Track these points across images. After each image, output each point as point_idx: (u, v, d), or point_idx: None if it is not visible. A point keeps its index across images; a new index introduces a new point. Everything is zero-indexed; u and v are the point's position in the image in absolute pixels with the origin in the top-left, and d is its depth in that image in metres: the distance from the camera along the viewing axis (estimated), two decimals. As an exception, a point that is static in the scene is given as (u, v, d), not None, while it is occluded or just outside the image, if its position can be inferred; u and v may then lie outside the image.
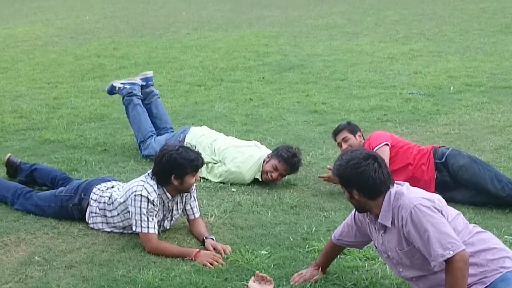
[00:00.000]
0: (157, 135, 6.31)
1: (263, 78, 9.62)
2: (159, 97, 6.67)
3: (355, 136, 5.54)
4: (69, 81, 9.74)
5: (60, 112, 7.96)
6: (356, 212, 3.74)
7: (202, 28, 14.74)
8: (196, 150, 4.54)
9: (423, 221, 3.28)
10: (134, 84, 6.56)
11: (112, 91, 6.65)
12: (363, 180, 3.40)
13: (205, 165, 5.48)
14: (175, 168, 4.35)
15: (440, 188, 5.06)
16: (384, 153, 5.20)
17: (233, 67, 10.41)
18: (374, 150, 5.15)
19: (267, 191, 5.40)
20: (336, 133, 5.63)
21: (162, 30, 14.68)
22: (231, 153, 5.64)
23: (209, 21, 15.85)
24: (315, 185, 5.53)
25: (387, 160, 5.13)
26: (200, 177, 5.26)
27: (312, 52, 11.50)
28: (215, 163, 5.67)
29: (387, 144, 5.29)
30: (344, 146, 5.51)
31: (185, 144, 5.61)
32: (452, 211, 3.45)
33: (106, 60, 11.27)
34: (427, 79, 9.18)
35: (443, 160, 5.22)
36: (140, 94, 6.53)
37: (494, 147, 6.31)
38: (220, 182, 5.56)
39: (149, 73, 6.73)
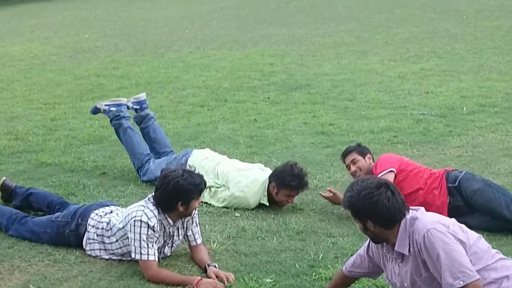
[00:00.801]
0: (156, 158, 6.30)
1: (268, 98, 9.65)
2: (155, 120, 6.62)
3: (364, 158, 5.54)
4: (67, 101, 9.78)
5: (58, 134, 7.98)
6: (370, 244, 3.73)
7: (206, 47, 14.82)
8: (198, 172, 4.56)
9: (436, 246, 3.27)
10: (119, 105, 6.50)
11: (96, 112, 6.63)
12: (377, 210, 3.41)
13: (207, 189, 5.49)
14: (182, 195, 4.36)
15: (453, 213, 5.04)
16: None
17: (237, 87, 10.45)
18: (379, 176, 5.14)
19: (272, 216, 5.39)
20: (345, 155, 5.64)
21: (164, 48, 14.76)
22: (234, 177, 5.64)
23: (212, 40, 15.93)
24: (322, 209, 5.52)
25: None
26: (202, 202, 5.27)
27: (319, 71, 11.53)
28: (218, 187, 5.67)
29: (391, 171, 5.27)
30: (353, 168, 5.51)
31: (187, 167, 5.62)
32: (473, 234, 3.45)
33: (105, 80, 11.32)
34: (439, 99, 9.19)
35: (456, 184, 5.20)
36: (128, 114, 6.46)
37: (509, 170, 6.29)
38: (223, 207, 5.55)
39: (142, 96, 6.67)
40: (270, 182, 5.55)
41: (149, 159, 6.23)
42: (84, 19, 21.87)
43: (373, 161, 5.59)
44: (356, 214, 3.50)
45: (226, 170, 5.74)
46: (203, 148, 6.41)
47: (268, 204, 5.54)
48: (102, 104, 6.56)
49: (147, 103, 6.70)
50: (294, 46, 14.45)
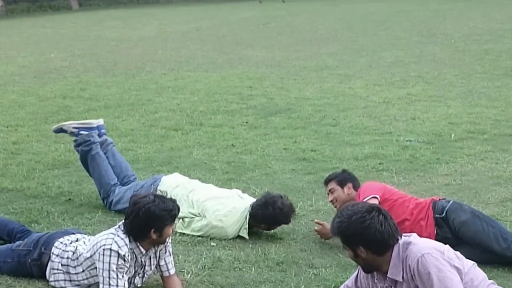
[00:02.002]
0: (122, 185, 6.25)
1: (246, 122, 9.67)
2: (114, 145, 6.57)
3: (343, 188, 5.56)
4: (30, 124, 9.73)
5: (20, 158, 7.92)
6: (359, 274, 3.73)
7: (180, 68, 14.84)
8: (170, 197, 4.54)
9: (430, 272, 3.30)
10: (91, 129, 6.42)
11: (59, 132, 6.53)
12: (369, 235, 3.44)
13: (181, 220, 5.49)
14: (155, 222, 4.34)
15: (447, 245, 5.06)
16: None
17: (214, 110, 10.46)
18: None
19: (250, 245, 5.37)
20: (326, 182, 5.70)
21: (135, 69, 14.76)
22: (212, 205, 5.64)
23: (187, 61, 15.97)
24: (304, 239, 5.52)
25: None
26: (175, 231, 5.24)
27: (301, 96, 11.59)
28: (192, 217, 5.64)
29: (375, 197, 5.29)
30: (330, 197, 5.58)
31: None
32: (468, 262, 3.47)
33: (72, 102, 11.28)
34: (426, 126, 9.27)
35: (443, 215, 5.23)
36: (98, 139, 6.39)
37: (500, 200, 6.35)
38: (198, 236, 5.53)
39: (101, 121, 6.60)
40: (258, 222, 5.54)
41: (114, 188, 6.17)
42: (50, 37, 21.84)
43: (355, 189, 5.60)
44: (347, 241, 3.51)
45: (201, 198, 5.73)
46: (171, 173, 6.35)
47: (247, 238, 5.52)
48: (69, 126, 6.45)
49: (105, 129, 6.65)
50: (274, 69, 14.53)
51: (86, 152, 6.36)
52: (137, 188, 6.02)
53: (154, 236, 4.38)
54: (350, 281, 3.83)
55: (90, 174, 6.42)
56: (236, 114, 10.23)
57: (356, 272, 3.77)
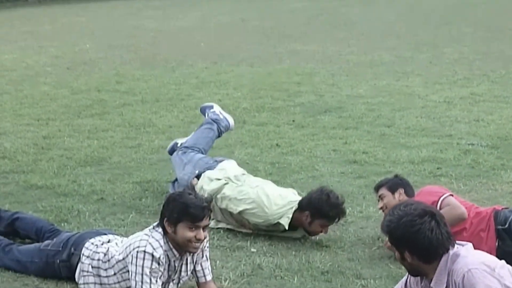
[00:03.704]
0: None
1: (293, 121, 9.69)
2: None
3: (393, 194, 5.56)
4: (62, 118, 9.89)
5: (51, 153, 8.07)
6: (409, 278, 3.74)
7: (223, 62, 14.93)
8: (208, 202, 4.52)
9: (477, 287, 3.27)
10: (227, 121, 7.09)
11: (204, 111, 7.24)
12: (417, 241, 3.45)
13: (229, 181, 5.86)
14: (168, 211, 4.40)
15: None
16: (452, 203, 5.21)
17: (258, 107, 10.51)
18: (440, 201, 5.21)
19: (293, 253, 5.40)
20: (376, 188, 5.72)
21: (175, 62, 14.89)
22: (264, 187, 5.87)
23: (231, 54, 16.05)
24: (352, 247, 5.53)
25: (457, 210, 5.16)
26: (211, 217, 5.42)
27: (353, 93, 11.57)
28: (241, 184, 5.90)
29: (451, 195, 5.32)
30: (380, 204, 5.59)
31: (218, 166, 6.15)
32: None
33: (107, 95, 11.44)
34: (491, 128, 9.19)
35: (506, 226, 5.18)
36: (222, 130, 7.04)
37: None
38: (238, 243, 5.57)
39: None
40: (301, 209, 5.64)
41: (197, 151, 6.63)
42: (84, 27, 22.13)
43: (408, 195, 5.60)
44: (394, 242, 3.53)
45: (254, 180, 6.02)
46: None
47: (286, 228, 5.60)
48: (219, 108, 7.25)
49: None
50: (324, 64, 14.52)
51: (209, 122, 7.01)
52: (199, 162, 6.37)
53: (169, 229, 4.40)
54: (399, 285, 3.84)
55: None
56: (282, 112, 10.26)
57: (405, 277, 3.78)
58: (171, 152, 6.92)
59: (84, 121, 9.67)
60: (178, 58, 15.53)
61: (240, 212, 5.71)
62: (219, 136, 7.05)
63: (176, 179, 6.53)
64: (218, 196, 5.84)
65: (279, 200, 5.70)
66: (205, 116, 7.18)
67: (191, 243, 4.41)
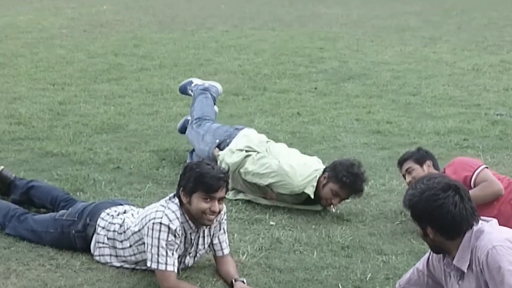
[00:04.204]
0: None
1: (315, 88, 9.67)
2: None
3: (422, 166, 5.55)
4: (78, 82, 9.93)
5: (66, 119, 8.11)
6: (431, 255, 3.75)
7: (244, 25, 14.89)
8: (225, 174, 4.53)
9: (501, 266, 3.27)
10: (215, 87, 7.06)
11: (185, 89, 7.21)
12: (440, 216, 3.44)
13: (252, 154, 5.84)
14: (185, 180, 4.42)
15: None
16: (488, 177, 5.22)
17: (280, 73, 10.49)
18: (475, 175, 5.21)
19: (313, 226, 5.42)
20: (400, 162, 5.69)
21: (194, 26, 14.87)
22: (287, 155, 5.89)
23: (252, 17, 16.00)
24: (373, 222, 5.53)
25: (494, 186, 5.19)
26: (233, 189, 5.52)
27: (378, 60, 11.52)
28: (263, 155, 5.90)
29: (486, 167, 5.32)
30: (408, 178, 5.55)
31: (237, 139, 6.11)
32: None
33: (124, 60, 11.46)
34: (521, 98, 9.15)
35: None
36: (214, 96, 7.00)
37: None
38: (256, 215, 5.60)
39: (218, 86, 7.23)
40: (323, 173, 5.68)
41: (209, 121, 6.63)
42: (102, -13, 22.12)
43: (437, 169, 5.59)
44: (416, 217, 3.53)
45: (277, 149, 6.02)
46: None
47: (312, 197, 5.63)
48: (198, 80, 7.25)
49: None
50: (349, 29, 14.45)
51: (200, 93, 6.93)
52: (224, 130, 6.41)
53: (184, 199, 4.42)
54: (421, 262, 3.84)
55: (193, 102, 6.95)
56: (304, 78, 10.24)
57: (428, 253, 3.78)
58: (182, 129, 6.96)
59: (101, 86, 9.70)
60: (198, 21, 15.51)
61: (267, 185, 5.76)
62: (214, 103, 7.03)
63: (193, 150, 6.55)
64: (241, 170, 5.85)
65: (304, 170, 5.72)
66: (188, 93, 7.18)
67: (206, 215, 4.42)
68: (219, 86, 7.16)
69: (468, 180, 5.22)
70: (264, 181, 5.76)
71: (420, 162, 5.58)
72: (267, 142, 6.18)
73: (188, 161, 6.41)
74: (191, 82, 7.17)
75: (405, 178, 5.62)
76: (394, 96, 9.28)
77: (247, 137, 6.15)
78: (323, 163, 6.12)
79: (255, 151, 5.92)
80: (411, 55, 11.85)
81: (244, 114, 8.44)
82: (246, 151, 5.92)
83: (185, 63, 11.23)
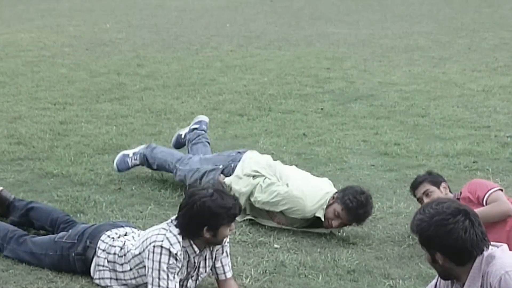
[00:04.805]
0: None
1: (321, 109, 9.70)
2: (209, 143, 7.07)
3: (439, 188, 5.58)
4: (80, 102, 9.96)
5: (67, 140, 8.13)
6: (438, 281, 3.75)
7: (249, 45, 14.95)
8: (233, 194, 4.63)
9: None
10: (200, 122, 7.13)
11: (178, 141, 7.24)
12: (450, 242, 3.44)
13: (260, 181, 5.83)
14: (210, 219, 4.43)
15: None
16: (500, 197, 5.28)
17: (285, 94, 10.52)
18: (487, 195, 5.26)
19: (318, 250, 5.42)
20: (415, 186, 5.70)
21: (199, 45, 14.93)
22: (296, 179, 5.87)
23: (258, 36, 16.06)
24: (380, 245, 5.54)
25: (503, 206, 5.23)
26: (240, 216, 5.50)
27: (386, 80, 11.55)
28: (274, 181, 5.86)
29: (500, 189, 5.38)
30: (426, 201, 5.55)
31: (243, 163, 6.04)
32: None
33: (127, 79, 11.50)
34: (532, 120, 9.16)
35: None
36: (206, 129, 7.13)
37: None
38: (260, 238, 5.61)
39: (205, 118, 7.28)
40: (333, 196, 5.73)
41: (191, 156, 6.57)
42: (104, 5, 22.24)
43: (451, 191, 5.63)
44: (425, 243, 3.53)
45: (286, 172, 5.99)
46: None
47: (323, 219, 5.64)
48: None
49: (207, 126, 7.22)
50: (356, 49, 14.49)
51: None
52: (219, 159, 6.35)
53: (207, 235, 4.47)
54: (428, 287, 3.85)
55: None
56: (310, 99, 10.27)
57: (435, 280, 3.78)
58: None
59: (103, 106, 9.73)
60: (202, 39, 15.57)
61: (280, 211, 5.79)
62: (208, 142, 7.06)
63: (176, 169, 6.53)
64: (252, 199, 5.85)
65: (315, 193, 5.73)
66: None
67: (226, 237, 4.60)
68: (203, 118, 7.23)
69: (481, 199, 5.28)
70: (276, 209, 5.79)
71: (437, 184, 5.63)
72: (275, 163, 6.17)
73: (177, 178, 6.49)
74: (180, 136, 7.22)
75: (420, 202, 5.64)
76: (402, 117, 9.30)
77: (254, 159, 6.14)
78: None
79: (262, 175, 5.91)
80: (420, 76, 11.88)
81: (249, 134, 8.46)
82: (253, 176, 5.93)
83: (189, 83, 11.27)
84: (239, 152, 6.39)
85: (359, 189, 5.71)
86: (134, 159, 6.79)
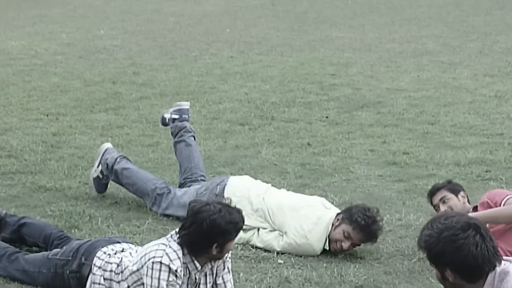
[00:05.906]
0: (182, 185, 6.45)
1: (326, 117, 9.71)
2: (194, 138, 6.92)
3: (457, 196, 5.61)
4: (74, 112, 9.97)
5: (61, 152, 8.14)
6: None
7: (251, 51, 14.96)
8: (235, 206, 4.63)
9: None
10: (180, 110, 7.01)
11: (164, 122, 7.11)
12: (460, 258, 3.44)
13: (256, 230, 5.73)
14: (220, 236, 4.45)
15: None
16: None
17: (288, 102, 10.53)
18: (505, 199, 5.28)
19: (324, 265, 5.43)
20: (432, 193, 5.75)
21: (198, 51, 14.95)
22: (293, 220, 5.73)
23: (259, 42, 16.08)
24: (389, 259, 5.55)
25: None
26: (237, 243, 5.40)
27: (394, 86, 11.55)
28: (271, 230, 5.79)
29: None
30: (443, 208, 5.61)
31: (228, 191, 5.94)
32: None
33: (123, 88, 11.51)
34: (547, 127, 9.16)
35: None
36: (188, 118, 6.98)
37: None
38: (264, 250, 5.63)
39: (185, 105, 7.09)
40: (336, 215, 5.69)
41: (169, 191, 6.35)
42: (99, 10, 22.26)
43: (469, 202, 5.66)
44: (433, 259, 3.53)
45: (277, 211, 5.81)
46: (241, 176, 6.51)
47: (328, 249, 5.62)
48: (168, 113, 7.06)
49: (189, 115, 7.05)
50: (362, 54, 14.51)
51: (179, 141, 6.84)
52: (200, 191, 6.16)
53: (214, 252, 4.49)
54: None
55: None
56: (314, 107, 10.28)
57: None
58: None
59: (98, 117, 9.74)
60: (201, 46, 15.59)
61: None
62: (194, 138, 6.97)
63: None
64: (251, 243, 5.75)
65: (317, 230, 5.63)
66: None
67: (228, 252, 4.64)
68: (183, 106, 7.09)
69: (498, 204, 5.29)
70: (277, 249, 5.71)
71: (455, 192, 5.68)
72: (263, 199, 5.93)
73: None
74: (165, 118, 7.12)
75: (436, 210, 5.66)
76: (411, 125, 9.30)
77: (241, 199, 5.85)
78: (334, 198, 6.11)
79: (253, 228, 5.77)
80: (429, 82, 11.88)
81: (251, 145, 8.47)
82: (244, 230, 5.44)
83: (188, 91, 11.27)
84: (218, 185, 6.15)
85: (365, 206, 5.72)
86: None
